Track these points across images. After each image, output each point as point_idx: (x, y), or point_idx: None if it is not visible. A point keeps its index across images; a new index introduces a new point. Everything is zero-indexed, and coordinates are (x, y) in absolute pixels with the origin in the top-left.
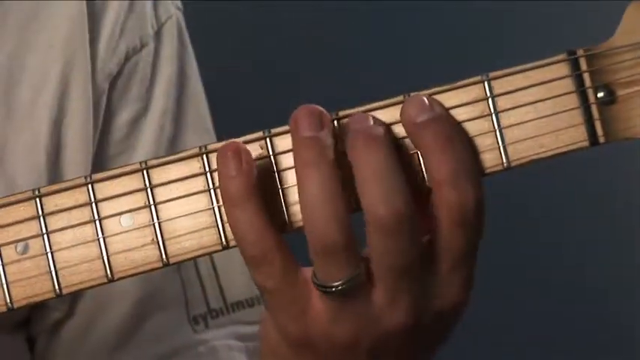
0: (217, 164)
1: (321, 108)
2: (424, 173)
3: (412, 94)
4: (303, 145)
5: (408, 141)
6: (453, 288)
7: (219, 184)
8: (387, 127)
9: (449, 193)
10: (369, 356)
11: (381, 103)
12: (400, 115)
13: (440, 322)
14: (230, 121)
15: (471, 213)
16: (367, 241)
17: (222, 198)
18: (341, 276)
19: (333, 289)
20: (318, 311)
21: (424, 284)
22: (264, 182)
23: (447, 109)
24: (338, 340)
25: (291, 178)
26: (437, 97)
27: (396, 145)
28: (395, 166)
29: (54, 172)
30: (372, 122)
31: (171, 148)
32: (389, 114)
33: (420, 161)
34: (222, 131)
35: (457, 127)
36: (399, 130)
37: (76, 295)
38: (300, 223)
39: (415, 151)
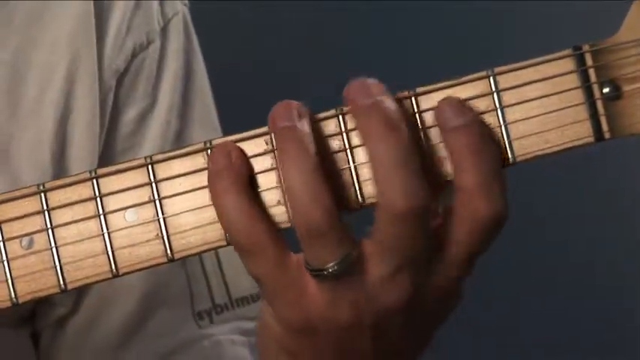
0: (209, 162)
1: (297, 103)
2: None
3: (419, 89)
4: (279, 136)
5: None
6: (456, 277)
7: (208, 181)
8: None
9: (478, 203)
10: (372, 334)
11: None
12: (435, 115)
13: (440, 303)
14: (235, 117)
15: (493, 224)
16: (375, 225)
17: (210, 192)
18: (331, 258)
19: (326, 273)
20: (314, 296)
21: (428, 270)
22: (270, 176)
23: (481, 114)
24: (339, 321)
25: None
26: (442, 92)
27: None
28: (416, 155)
29: (59, 169)
30: (386, 98)
31: (178, 143)
32: None
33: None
34: (228, 127)
35: (490, 133)
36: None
37: (80, 291)
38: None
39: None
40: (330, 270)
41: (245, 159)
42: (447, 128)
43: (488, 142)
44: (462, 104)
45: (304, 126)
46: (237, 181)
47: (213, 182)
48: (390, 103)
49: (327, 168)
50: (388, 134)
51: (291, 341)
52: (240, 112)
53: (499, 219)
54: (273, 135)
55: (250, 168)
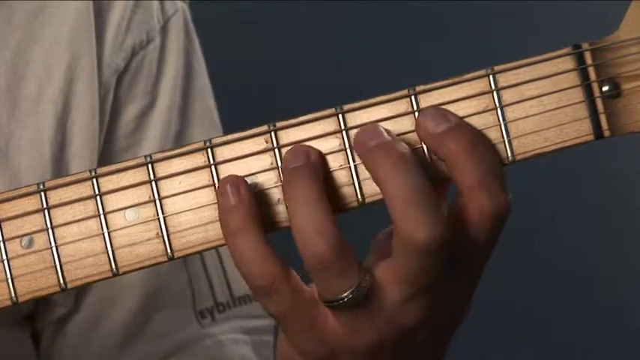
0: (217, 198)
1: (306, 147)
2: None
3: (419, 87)
4: (286, 174)
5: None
6: (470, 286)
7: (219, 217)
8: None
9: (481, 197)
10: (393, 353)
11: (385, 97)
12: (417, 130)
13: (456, 312)
14: (235, 115)
15: (499, 219)
16: (393, 255)
17: (222, 231)
18: (343, 288)
19: (340, 303)
20: (334, 327)
21: (444, 288)
22: (269, 175)
23: (462, 118)
24: (360, 347)
25: None
26: (441, 91)
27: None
28: (428, 184)
29: (58, 167)
30: (387, 136)
31: (178, 142)
32: (393, 108)
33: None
34: (228, 126)
35: (478, 132)
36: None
37: (81, 291)
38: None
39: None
40: (345, 300)
41: (251, 191)
42: (433, 136)
43: (479, 139)
44: (443, 111)
45: (314, 164)
46: (249, 218)
47: (224, 219)
48: (396, 142)
49: (327, 167)
50: (397, 171)
51: None
52: (240, 110)
53: (503, 213)
54: (283, 175)
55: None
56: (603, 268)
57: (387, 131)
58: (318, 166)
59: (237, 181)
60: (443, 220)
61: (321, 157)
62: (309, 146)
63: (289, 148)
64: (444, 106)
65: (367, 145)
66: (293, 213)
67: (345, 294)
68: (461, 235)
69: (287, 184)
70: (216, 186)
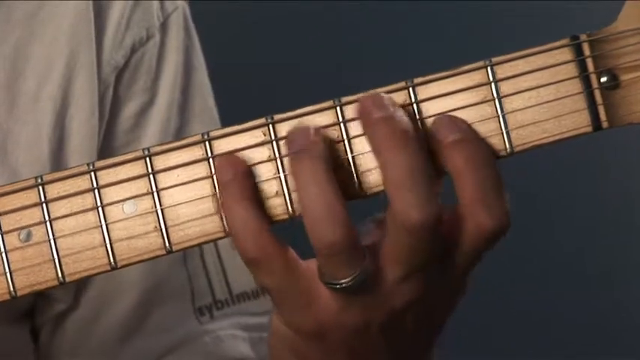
0: (215, 173)
1: (314, 126)
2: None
3: (417, 79)
4: (293, 159)
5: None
6: (463, 280)
7: (218, 192)
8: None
9: (481, 218)
10: (381, 335)
11: (383, 89)
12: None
13: (447, 303)
14: (235, 112)
15: (496, 236)
16: (389, 234)
17: (222, 206)
18: (347, 274)
19: (341, 286)
20: (326, 302)
21: (436, 276)
22: (267, 167)
23: (471, 126)
24: (348, 324)
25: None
26: (439, 82)
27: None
28: (427, 165)
29: (57, 164)
30: (392, 108)
31: (178, 139)
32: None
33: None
34: (227, 123)
35: (486, 148)
36: None
37: (80, 287)
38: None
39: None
40: (346, 285)
41: (249, 169)
42: (441, 145)
43: (486, 156)
44: (456, 120)
45: (319, 145)
46: (243, 193)
47: (221, 195)
48: (402, 116)
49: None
50: (401, 147)
51: (302, 344)
52: (239, 108)
53: (502, 231)
54: (288, 157)
55: (254, 177)
56: (601, 264)
57: (393, 103)
58: (325, 147)
59: (232, 156)
60: (436, 201)
61: (326, 140)
62: (313, 127)
63: (291, 131)
64: (442, 98)
65: (372, 116)
66: (303, 197)
67: (347, 279)
68: (454, 244)
69: (294, 166)
70: (215, 175)
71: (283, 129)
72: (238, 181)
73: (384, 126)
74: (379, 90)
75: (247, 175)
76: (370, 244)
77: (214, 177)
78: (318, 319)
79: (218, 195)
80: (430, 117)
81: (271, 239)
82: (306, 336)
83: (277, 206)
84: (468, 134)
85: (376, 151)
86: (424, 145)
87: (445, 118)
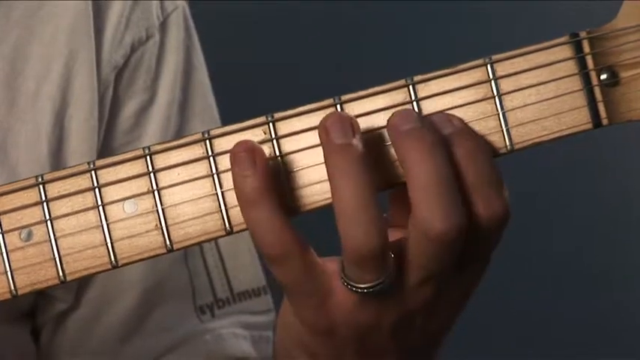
0: (231, 164)
1: (350, 115)
2: None
3: (417, 77)
4: (335, 153)
5: None
6: (472, 280)
7: (234, 185)
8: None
9: (475, 204)
10: (392, 335)
11: (383, 87)
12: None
13: (457, 304)
14: (235, 112)
15: (494, 225)
16: (409, 243)
17: (237, 199)
18: (373, 278)
19: (366, 291)
20: (340, 300)
21: (450, 279)
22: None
23: (466, 123)
24: (360, 323)
25: (294, 161)
26: (439, 80)
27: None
28: (452, 175)
29: (56, 163)
30: (420, 122)
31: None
32: (391, 98)
33: None
34: (228, 122)
35: (478, 140)
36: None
37: (81, 286)
38: (306, 208)
39: None
40: (367, 290)
41: (266, 159)
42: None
43: (478, 147)
44: (449, 116)
45: (359, 144)
46: (263, 185)
47: (238, 188)
48: (429, 128)
49: None
50: (428, 159)
51: (312, 341)
52: (239, 106)
53: (498, 220)
54: (324, 149)
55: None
56: (600, 263)
57: (421, 118)
58: (362, 147)
59: (251, 148)
60: (461, 212)
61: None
62: (350, 119)
63: (329, 117)
64: (442, 95)
65: (400, 129)
66: (342, 199)
67: (370, 284)
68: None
69: (334, 162)
70: (216, 174)
71: (283, 127)
72: (260, 175)
73: (412, 137)
74: (380, 88)
75: (266, 168)
76: (394, 247)
77: (215, 175)
78: (331, 317)
79: (235, 189)
80: (430, 115)
81: (294, 235)
82: (316, 332)
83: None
84: (460, 127)
85: (402, 160)
86: (449, 157)
87: (437, 115)
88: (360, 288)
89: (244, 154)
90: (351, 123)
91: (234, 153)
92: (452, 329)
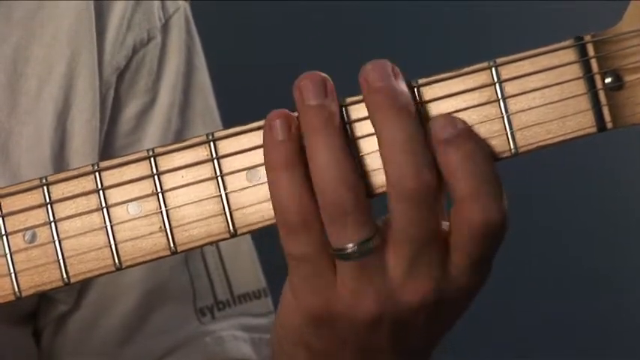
0: (264, 131)
1: (323, 74)
2: None
3: (421, 80)
4: (309, 113)
5: None
6: (471, 279)
7: (264, 151)
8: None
9: (472, 212)
10: (391, 334)
11: None
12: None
13: (457, 306)
14: (236, 114)
15: (493, 230)
16: (389, 210)
17: (266, 165)
18: (353, 239)
19: (347, 252)
20: (340, 286)
21: (444, 265)
22: None
23: (470, 126)
24: (359, 314)
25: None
26: (443, 83)
27: None
28: (422, 136)
29: (58, 164)
30: (394, 80)
31: (178, 140)
32: None
33: None
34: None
35: (480, 143)
36: None
37: (82, 288)
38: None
39: None
40: (351, 250)
41: (299, 131)
42: (437, 140)
43: (479, 150)
44: (453, 119)
45: (333, 103)
46: (295, 152)
47: (268, 153)
48: (402, 85)
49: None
50: (399, 115)
51: (310, 333)
52: (241, 108)
53: (494, 226)
54: (298, 110)
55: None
56: (601, 265)
57: (395, 73)
58: (336, 106)
59: (287, 116)
60: (431, 168)
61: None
62: (323, 79)
63: (303, 78)
64: (447, 98)
65: (373, 85)
66: (315, 156)
67: (353, 244)
68: (454, 242)
69: (308, 122)
70: (219, 176)
71: None
72: (293, 142)
73: (383, 94)
74: None
75: (297, 138)
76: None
77: (219, 178)
78: (330, 304)
79: (266, 156)
80: (434, 117)
81: (316, 209)
82: (315, 321)
83: None
84: (462, 130)
85: (373, 118)
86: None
87: (441, 116)
88: (344, 250)
89: (280, 120)
90: (324, 84)
91: (269, 120)
92: (448, 332)
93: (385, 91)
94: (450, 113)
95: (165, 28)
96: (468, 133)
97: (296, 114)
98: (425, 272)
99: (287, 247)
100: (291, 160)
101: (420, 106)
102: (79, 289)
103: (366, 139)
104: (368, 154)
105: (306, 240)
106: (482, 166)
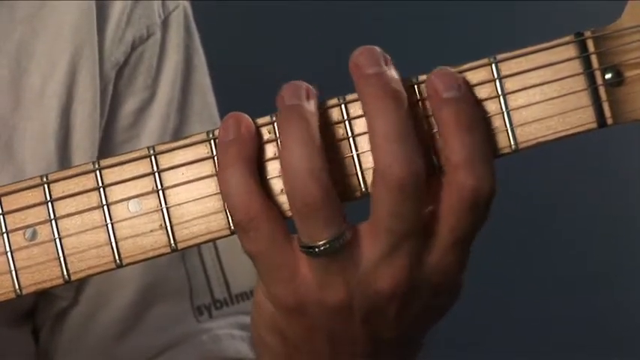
0: (219, 132)
1: (306, 84)
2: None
3: (421, 77)
4: (284, 111)
5: None
6: (449, 265)
7: (217, 150)
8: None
9: (465, 177)
10: (363, 322)
11: None
12: (426, 85)
13: (434, 296)
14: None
15: (481, 202)
16: (372, 199)
17: (217, 163)
18: (323, 236)
19: (317, 250)
20: (306, 276)
21: (421, 254)
22: (272, 166)
23: (472, 88)
24: (328, 303)
25: None
26: None
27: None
28: (411, 126)
29: (63, 159)
30: (385, 66)
31: (177, 137)
32: None
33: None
34: None
35: (479, 110)
36: None
37: (80, 283)
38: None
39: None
40: (322, 248)
41: (253, 132)
42: (436, 99)
43: (476, 117)
44: (455, 76)
45: (310, 105)
46: (241, 154)
47: (219, 153)
48: (393, 73)
49: (331, 156)
50: (390, 103)
51: (282, 321)
52: (240, 108)
53: (484, 195)
54: (278, 112)
55: (257, 141)
56: (601, 264)
57: (386, 59)
58: (314, 109)
59: (240, 117)
60: (420, 160)
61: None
62: (306, 87)
63: (285, 85)
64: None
65: (364, 71)
66: (286, 152)
67: (324, 242)
68: (440, 213)
69: (283, 120)
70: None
71: None
72: (241, 141)
73: (375, 81)
74: None
75: (249, 137)
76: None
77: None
78: (299, 295)
79: (217, 154)
80: (438, 72)
81: (261, 203)
82: (286, 311)
83: (283, 203)
84: (465, 94)
85: (365, 104)
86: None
87: (444, 73)
88: (315, 247)
89: (231, 120)
90: (306, 90)
91: (223, 121)
92: (432, 327)
93: (375, 78)
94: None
95: (164, 24)
96: (470, 96)
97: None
98: (399, 262)
99: (242, 245)
100: (237, 158)
101: (421, 102)
102: (77, 285)
103: (365, 136)
104: (367, 151)
105: (256, 237)
106: (479, 132)
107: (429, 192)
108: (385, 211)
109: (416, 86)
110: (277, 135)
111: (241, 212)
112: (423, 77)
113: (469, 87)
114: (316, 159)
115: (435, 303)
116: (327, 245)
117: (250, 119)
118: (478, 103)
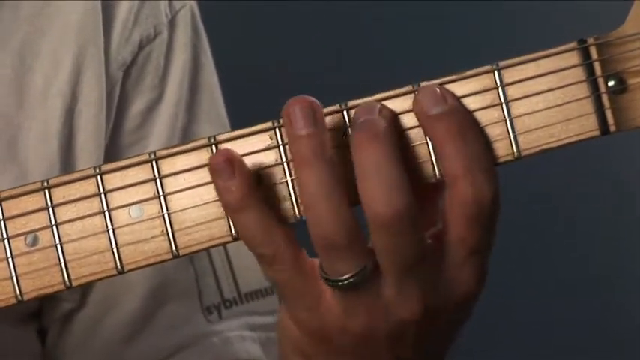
0: (211, 175)
1: (312, 99)
2: (433, 164)
3: (423, 83)
4: (298, 143)
5: (415, 131)
6: (464, 280)
7: (218, 195)
8: (393, 118)
9: (464, 188)
10: (387, 347)
11: (390, 93)
12: (413, 106)
13: (454, 312)
14: (243, 112)
15: (486, 209)
16: (370, 236)
17: (224, 208)
18: (347, 270)
19: (341, 283)
20: (330, 303)
21: (433, 276)
22: (273, 172)
23: (460, 99)
24: (352, 331)
25: None
26: (447, 86)
27: (402, 136)
28: (396, 162)
29: (66, 160)
30: (377, 114)
31: (185, 136)
32: (397, 104)
33: (429, 152)
34: (236, 123)
35: (471, 119)
36: (407, 120)
37: (87, 286)
38: None
39: (423, 142)
40: (346, 282)
41: (246, 167)
42: (425, 117)
43: (469, 127)
44: (439, 90)
45: (324, 134)
46: (248, 195)
47: (225, 200)
48: (377, 120)
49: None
50: (368, 145)
51: (308, 344)
52: (248, 107)
53: (487, 203)
54: (287, 138)
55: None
56: (601, 265)
57: (381, 109)
58: (326, 136)
59: (230, 159)
60: (404, 195)
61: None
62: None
63: (293, 107)
64: None
65: (356, 122)
66: (306, 190)
67: (347, 275)
68: (447, 228)
69: (300, 158)
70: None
71: None
72: (242, 183)
73: (361, 126)
74: (385, 94)
75: (248, 173)
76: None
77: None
78: (324, 321)
79: (220, 199)
80: (425, 87)
81: (282, 237)
82: (311, 335)
83: (285, 210)
84: (453, 105)
85: (352, 151)
86: (402, 137)
87: (431, 90)
88: (335, 281)
89: (223, 164)
90: (313, 110)
91: (212, 165)
92: (454, 341)
93: (363, 123)
94: (441, 84)
95: (171, 24)
96: (458, 108)
97: (257, 135)
98: (410, 293)
99: (266, 274)
100: (245, 200)
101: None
102: (83, 288)
103: None
104: None
105: (281, 268)
106: (474, 143)
107: (435, 210)
108: (379, 248)
109: (417, 93)
110: (279, 141)
111: (264, 248)
112: (425, 84)
113: (455, 97)
114: (336, 196)
115: (456, 317)
116: (351, 279)
117: (238, 156)
118: (470, 112)
